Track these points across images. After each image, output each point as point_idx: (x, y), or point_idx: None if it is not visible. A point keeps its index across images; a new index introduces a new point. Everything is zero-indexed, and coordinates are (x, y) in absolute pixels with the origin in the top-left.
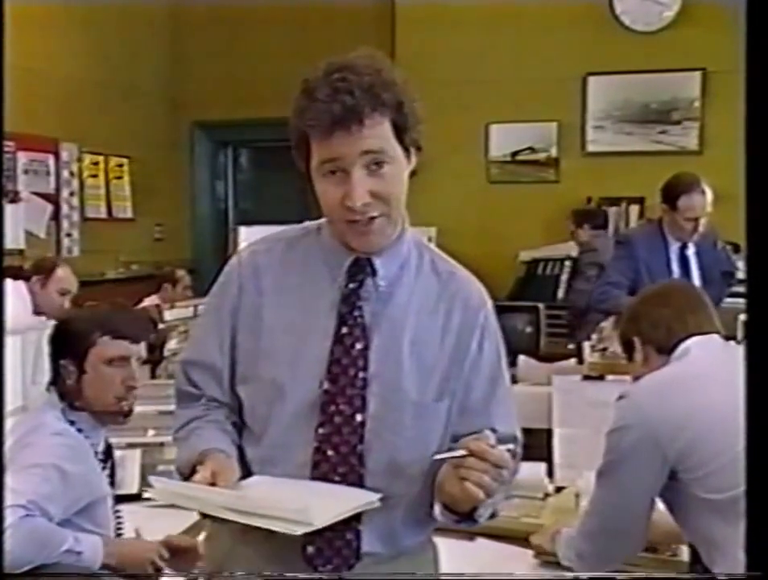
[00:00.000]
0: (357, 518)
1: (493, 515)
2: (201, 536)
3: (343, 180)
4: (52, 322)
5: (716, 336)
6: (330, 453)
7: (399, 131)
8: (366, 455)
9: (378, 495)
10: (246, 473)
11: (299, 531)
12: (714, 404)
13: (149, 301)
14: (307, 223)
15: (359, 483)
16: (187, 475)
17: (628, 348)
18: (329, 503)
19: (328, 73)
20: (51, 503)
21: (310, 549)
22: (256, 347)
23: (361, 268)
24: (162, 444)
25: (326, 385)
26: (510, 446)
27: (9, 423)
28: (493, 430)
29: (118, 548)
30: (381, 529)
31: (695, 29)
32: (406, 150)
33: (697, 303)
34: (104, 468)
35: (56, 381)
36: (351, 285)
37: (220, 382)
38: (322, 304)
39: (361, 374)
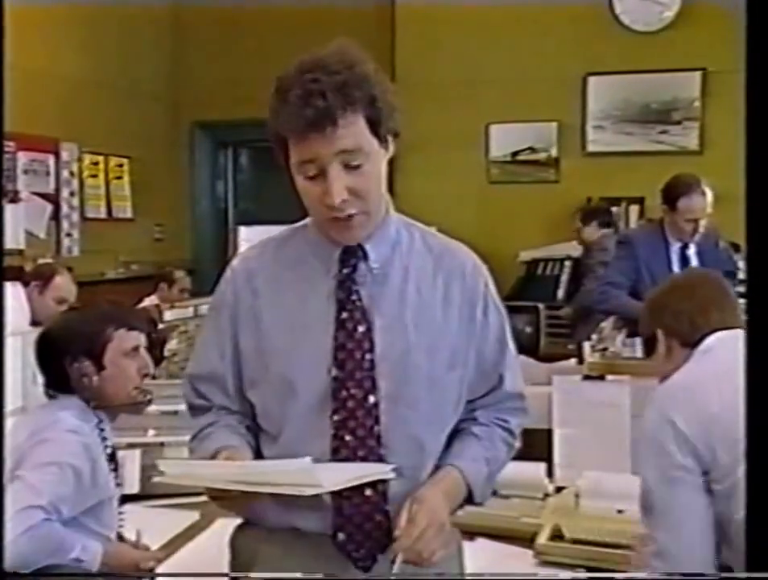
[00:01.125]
0: (384, 498)
1: (494, 493)
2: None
3: (321, 179)
4: None
5: (740, 331)
6: (348, 438)
7: (374, 125)
8: (384, 435)
9: (392, 466)
10: None
11: (308, 492)
12: (736, 404)
13: (149, 301)
14: (295, 224)
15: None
16: None
17: (650, 341)
18: (341, 472)
19: (301, 72)
20: (65, 504)
21: (340, 536)
22: (260, 349)
23: (353, 254)
24: (162, 444)
25: (334, 371)
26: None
27: (9, 423)
28: (501, 381)
29: (110, 559)
30: None
31: (695, 29)
32: (383, 141)
33: (722, 296)
34: (110, 468)
35: (65, 384)
36: (344, 271)
37: (227, 391)
38: (319, 295)
39: (367, 356)
